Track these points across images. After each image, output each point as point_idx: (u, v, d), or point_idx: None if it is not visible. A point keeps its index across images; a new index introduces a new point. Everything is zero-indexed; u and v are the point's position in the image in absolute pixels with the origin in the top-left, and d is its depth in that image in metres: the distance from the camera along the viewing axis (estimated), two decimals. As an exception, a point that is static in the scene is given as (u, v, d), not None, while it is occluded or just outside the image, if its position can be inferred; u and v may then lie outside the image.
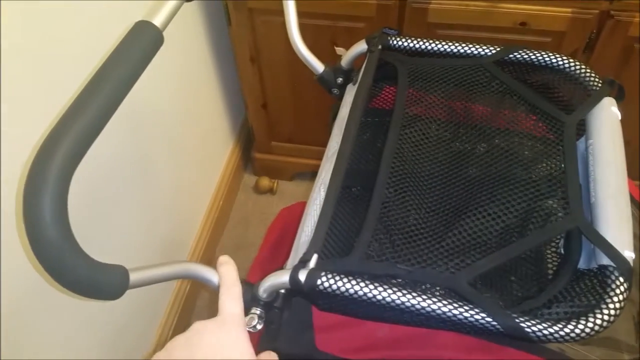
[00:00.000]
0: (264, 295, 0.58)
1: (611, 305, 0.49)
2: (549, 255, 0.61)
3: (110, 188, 0.95)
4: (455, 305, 0.50)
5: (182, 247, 1.35)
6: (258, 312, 0.58)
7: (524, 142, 0.65)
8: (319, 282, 0.53)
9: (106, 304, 0.97)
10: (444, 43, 0.74)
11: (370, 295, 0.52)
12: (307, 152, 1.56)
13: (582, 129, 0.66)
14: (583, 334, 0.48)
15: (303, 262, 0.55)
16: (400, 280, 0.55)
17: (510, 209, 0.58)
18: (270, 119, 1.49)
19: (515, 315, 0.49)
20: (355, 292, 0.52)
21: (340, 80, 0.80)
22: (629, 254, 0.53)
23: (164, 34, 0.56)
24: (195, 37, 1.25)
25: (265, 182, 1.64)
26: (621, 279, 0.51)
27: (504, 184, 0.61)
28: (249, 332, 0.58)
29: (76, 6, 0.79)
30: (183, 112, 1.23)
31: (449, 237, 0.57)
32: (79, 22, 0.80)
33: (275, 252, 0.92)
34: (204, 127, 1.39)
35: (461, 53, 0.73)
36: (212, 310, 1.40)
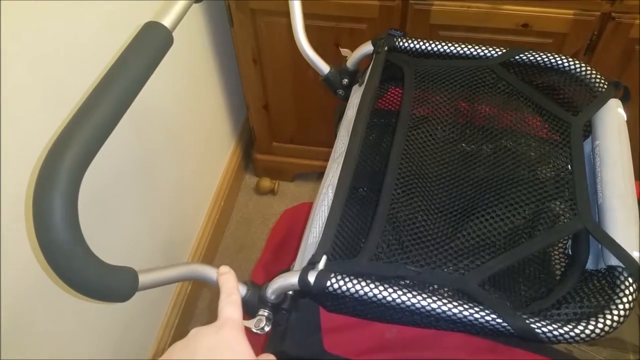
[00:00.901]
0: (272, 297, 0.57)
1: (621, 306, 0.49)
2: (556, 256, 0.61)
3: (113, 189, 0.95)
4: (465, 306, 0.50)
5: (184, 248, 1.35)
6: (266, 313, 0.58)
7: (531, 143, 0.65)
8: (328, 283, 0.53)
9: (108, 307, 0.97)
10: (449, 44, 0.74)
11: (379, 296, 0.52)
12: (309, 153, 1.56)
13: (588, 130, 0.67)
14: (593, 335, 0.48)
15: (312, 263, 0.55)
16: (409, 281, 0.55)
17: (517, 210, 0.58)
18: (271, 120, 1.49)
19: (525, 316, 0.49)
20: (365, 293, 0.52)
21: (345, 81, 0.80)
22: (637, 255, 0.53)
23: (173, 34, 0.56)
24: (198, 38, 1.25)
25: (266, 183, 1.64)
26: (630, 280, 0.51)
27: (511, 185, 0.61)
28: (256, 333, 0.58)
29: (86, 6, 0.79)
30: (185, 113, 1.23)
31: (458, 238, 0.57)
32: (89, 22, 0.80)
33: (279, 254, 0.92)
34: (205, 127, 1.39)
35: (467, 54, 0.73)
36: (213, 311, 1.40)
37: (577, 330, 0.48)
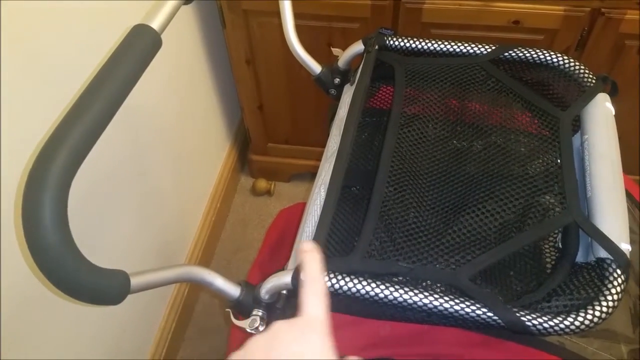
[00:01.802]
0: (266, 297, 0.58)
1: (609, 297, 0.50)
2: (547, 250, 0.62)
3: (107, 192, 0.95)
4: (457, 301, 0.51)
5: (180, 250, 1.35)
6: (260, 313, 0.58)
7: (520, 138, 0.66)
8: (321, 281, 0.53)
9: (104, 309, 0.97)
10: (439, 42, 0.74)
11: (372, 293, 0.52)
12: (304, 153, 1.57)
13: (577, 124, 0.67)
14: (583, 326, 0.49)
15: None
16: (402, 277, 0.55)
17: (508, 205, 0.59)
18: (266, 121, 1.49)
19: (515, 310, 0.49)
20: (358, 290, 0.53)
21: (337, 80, 0.81)
22: (626, 246, 0.53)
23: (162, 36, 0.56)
24: (190, 40, 1.26)
25: (262, 183, 1.64)
26: (619, 271, 0.52)
27: (502, 181, 0.62)
28: (251, 333, 0.58)
29: (74, 8, 0.79)
30: (179, 115, 1.23)
31: (449, 234, 0.58)
32: (78, 25, 0.80)
33: (275, 254, 0.92)
34: (200, 129, 1.39)
35: (457, 52, 0.74)
36: (211, 314, 1.40)
37: (566, 322, 0.49)
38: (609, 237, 0.54)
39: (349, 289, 0.53)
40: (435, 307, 0.51)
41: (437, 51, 0.74)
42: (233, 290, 0.59)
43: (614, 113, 0.66)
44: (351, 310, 0.59)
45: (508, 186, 0.61)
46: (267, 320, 0.59)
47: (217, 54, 1.40)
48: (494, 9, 1.10)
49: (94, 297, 0.46)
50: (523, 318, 0.49)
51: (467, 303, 0.50)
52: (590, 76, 0.69)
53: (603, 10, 1.07)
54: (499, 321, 0.49)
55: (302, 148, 1.56)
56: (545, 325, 0.49)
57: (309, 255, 0.44)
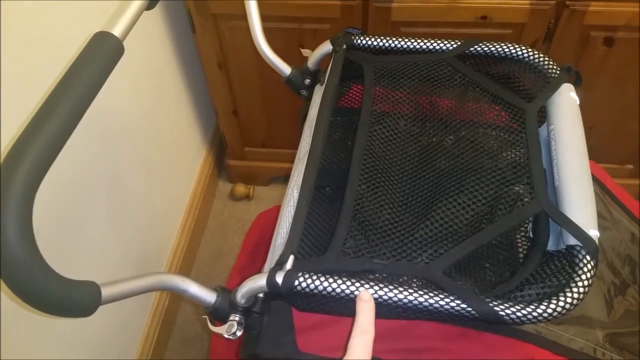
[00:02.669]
0: (242, 301, 0.58)
1: (580, 283, 0.51)
2: (519, 240, 0.63)
3: (80, 204, 0.94)
4: (431, 294, 0.51)
5: (159, 259, 1.34)
6: (237, 318, 0.58)
7: (489, 132, 0.67)
8: (296, 282, 0.53)
9: (84, 322, 0.96)
10: (406, 40, 0.75)
11: (348, 291, 0.52)
12: (282, 155, 1.57)
13: (543, 115, 0.68)
14: (555, 313, 0.49)
15: (280, 264, 0.55)
16: (377, 274, 0.55)
17: (478, 197, 0.60)
18: (241, 125, 1.49)
19: (488, 300, 0.50)
20: (333, 289, 0.53)
21: (307, 81, 0.81)
22: (594, 233, 0.54)
23: (125, 43, 0.56)
24: (160, 46, 1.24)
25: (240, 188, 1.64)
26: (588, 257, 0.52)
27: (472, 174, 0.62)
28: (228, 339, 0.58)
29: (38, 16, 0.78)
30: (153, 122, 1.22)
31: (422, 228, 0.58)
32: (37, 35, 0.79)
33: (254, 258, 0.92)
34: (174, 135, 1.38)
35: (424, 49, 0.75)
36: (193, 323, 1.39)
37: (539, 310, 0.49)
38: (578, 224, 0.54)
39: (324, 288, 0.52)
40: (410, 301, 0.51)
41: (404, 49, 0.75)
42: (208, 296, 0.59)
43: (578, 102, 0.67)
44: (328, 310, 0.59)
45: (478, 179, 0.61)
46: (245, 325, 0.59)
47: (189, 59, 1.39)
48: (461, 6, 1.12)
49: (64, 310, 0.46)
50: (496, 308, 0.49)
51: (441, 296, 0.51)
52: (555, 67, 0.70)
53: (567, 2, 1.09)
54: (473, 312, 0.50)
55: (279, 151, 1.56)
56: (519, 314, 0.49)
57: (365, 305, 0.47)
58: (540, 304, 0.50)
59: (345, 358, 0.45)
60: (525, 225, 0.62)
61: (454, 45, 0.74)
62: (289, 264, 0.55)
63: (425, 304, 0.51)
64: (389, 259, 0.56)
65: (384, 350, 0.60)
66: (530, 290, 0.53)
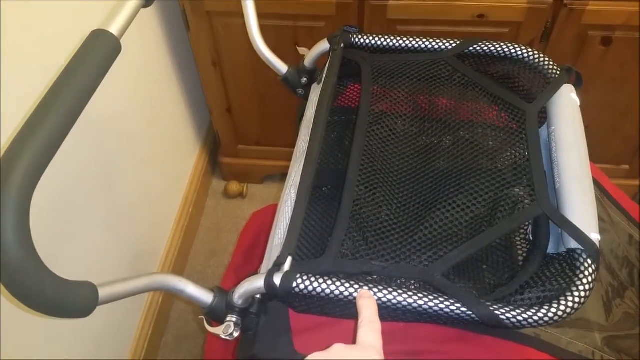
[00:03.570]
0: (239, 302, 0.57)
1: (581, 287, 0.50)
2: (519, 243, 0.62)
3: (74, 203, 0.92)
4: (431, 297, 0.50)
5: (153, 258, 1.33)
6: (234, 319, 0.57)
7: (488, 132, 0.66)
8: (294, 284, 0.52)
9: (78, 322, 0.95)
10: (405, 39, 0.74)
11: (346, 293, 0.52)
12: (276, 154, 1.56)
13: (544, 116, 0.68)
14: (556, 317, 0.49)
15: (277, 265, 0.55)
16: (375, 276, 0.55)
17: (478, 199, 0.59)
18: (235, 123, 1.47)
19: (489, 304, 0.49)
20: (331, 291, 0.52)
21: (304, 80, 0.80)
22: (595, 236, 0.54)
23: (122, 41, 0.55)
24: (154, 43, 1.23)
25: (234, 186, 1.62)
26: (589, 261, 0.52)
27: (471, 175, 0.62)
28: (225, 340, 0.57)
29: (33, 14, 0.76)
30: (146, 120, 1.21)
31: (421, 230, 0.57)
32: (34, 33, 0.77)
33: (249, 257, 0.91)
34: (168, 133, 1.37)
35: (422, 48, 0.74)
36: (186, 322, 1.38)
37: (540, 314, 0.49)
38: (579, 227, 0.54)
39: (322, 290, 0.52)
40: (410, 304, 0.50)
41: (403, 48, 0.74)
42: (205, 296, 0.58)
43: (579, 104, 0.66)
44: (325, 312, 0.58)
45: (477, 180, 0.61)
46: (242, 326, 0.58)
47: (183, 57, 1.38)
48: (458, 4, 1.11)
49: (62, 311, 0.45)
50: (497, 312, 0.49)
51: (441, 299, 0.50)
52: (555, 68, 0.70)
53: (565, 2, 1.09)
54: (473, 316, 0.49)
55: (273, 149, 1.55)
56: (519, 318, 0.49)
57: (367, 302, 0.49)
58: (541, 308, 0.49)
59: (361, 341, 0.45)
60: (525, 228, 0.62)
61: (453, 45, 0.73)
62: (286, 266, 0.54)
63: (425, 307, 0.50)
64: (388, 261, 0.55)
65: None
66: (530, 293, 0.53)
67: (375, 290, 0.51)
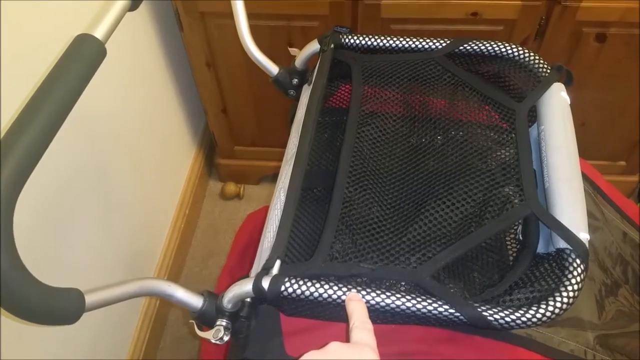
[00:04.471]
0: (229, 306, 0.57)
1: (570, 287, 0.50)
2: (508, 242, 0.62)
3: (68, 204, 0.92)
4: (419, 299, 0.50)
5: (150, 260, 1.33)
6: (224, 323, 0.57)
7: (479, 132, 0.66)
8: (282, 288, 0.52)
9: (74, 326, 0.94)
10: (395, 39, 0.74)
11: (335, 296, 0.51)
12: (272, 154, 1.55)
13: (534, 115, 0.68)
14: (544, 318, 0.49)
15: (266, 269, 0.54)
16: (365, 279, 0.54)
17: (467, 199, 0.59)
18: (231, 124, 1.47)
19: (477, 305, 0.49)
20: (320, 294, 0.52)
21: (295, 81, 0.80)
22: (584, 236, 0.54)
23: (111, 43, 0.54)
24: (147, 45, 1.23)
25: (231, 187, 1.62)
26: (578, 261, 0.52)
27: (461, 175, 0.61)
28: (215, 344, 0.57)
29: (12, 24, 0.76)
30: (140, 122, 1.21)
31: (410, 232, 0.57)
32: (16, 39, 0.77)
33: (243, 259, 0.91)
34: (163, 135, 1.36)
35: (413, 48, 0.74)
36: (185, 323, 1.38)
37: (528, 315, 0.49)
38: (568, 227, 0.54)
39: (311, 293, 0.52)
40: (398, 306, 0.50)
41: (393, 48, 0.74)
42: (195, 301, 0.58)
43: (569, 102, 0.66)
44: (315, 315, 0.58)
45: (466, 180, 0.60)
46: (233, 329, 0.58)
47: (177, 58, 1.38)
48: (452, 2, 1.10)
49: (48, 319, 0.45)
50: (485, 313, 0.49)
51: (429, 301, 0.50)
52: (545, 66, 0.69)
53: (559, -1, 1.08)
54: (462, 317, 0.49)
55: (269, 149, 1.54)
56: (507, 319, 0.48)
57: (356, 305, 0.49)
58: (530, 308, 0.49)
59: (355, 340, 0.45)
60: (515, 228, 0.61)
61: (443, 44, 0.73)
62: (275, 269, 0.54)
63: (413, 309, 0.50)
64: (377, 263, 0.55)
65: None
66: (519, 294, 0.52)
67: (364, 292, 0.51)
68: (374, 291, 0.51)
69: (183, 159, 1.52)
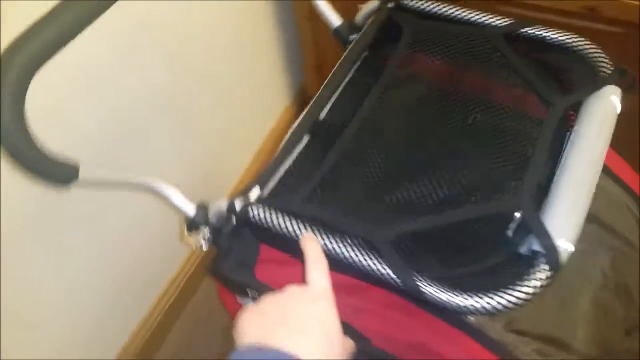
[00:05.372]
0: (214, 220, 0.61)
1: (522, 289, 0.47)
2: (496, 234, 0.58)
3: (146, 118, 0.99)
4: (364, 253, 0.51)
5: (227, 179, 1.39)
6: (206, 234, 0.61)
7: (504, 117, 0.62)
8: (250, 213, 0.56)
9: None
10: (455, 9, 0.71)
11: (292, 232, 0.54)
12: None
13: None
14: (481, 309, 0.47)
15: (243, 193, 0.58)
16: (332, 226, 0.55)
17: (461, 179, 0.57)
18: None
19: (416, 276, 0.48)
20: (280, 227, 0.54)
21: (353, 36, 0.80)
22: (566, 245, 0.49)
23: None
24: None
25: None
26: (546, 267, 0.48)
27: (467, 157, 0.59)
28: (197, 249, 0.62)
29: None
30: (236, 62, 1.26)
31: (390, 196, 0.57)
32: None
33: None
34: (258, 80, 1.42)
35: (472, 21, 0.70)
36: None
37: (460, 299, 0.47)
38: (550, 232, 0.50)
39: (274, 225, 0.54)
40: (345, 257, 0.51)
41: (451, 17, 0.71)
42: (189, 208, 0.63)
43: (618, 109, 0.59)
44: (281, 247, 0.60)
45: (469, 163, 0.58)
46: (215, 241, 0.62)
47: (285, 9, 1.41)
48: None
49: (43, 176, 0.52)
50: (419, 284, 0.48)
51: (374, 260, 0.50)
52: (607, 65, 0.62)
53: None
54: (399, 282, 0.49)
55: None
56: (440, 296, 0.47)
57: (310, 242, 0.51)
58: (472, 295, 0.47)
59: (311, 283, 0.47)
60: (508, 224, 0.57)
61: (503, 24, 0.68)
62: (252, 195, 0.58)
63: (356, 261, 0.51)
64: (347, 216, 0.56)
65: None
66: (475, 280, 0.50)
67: (318, 235, 0.52)
68: (327, 237, 0.52)
69: (274, 107, 1.58)
